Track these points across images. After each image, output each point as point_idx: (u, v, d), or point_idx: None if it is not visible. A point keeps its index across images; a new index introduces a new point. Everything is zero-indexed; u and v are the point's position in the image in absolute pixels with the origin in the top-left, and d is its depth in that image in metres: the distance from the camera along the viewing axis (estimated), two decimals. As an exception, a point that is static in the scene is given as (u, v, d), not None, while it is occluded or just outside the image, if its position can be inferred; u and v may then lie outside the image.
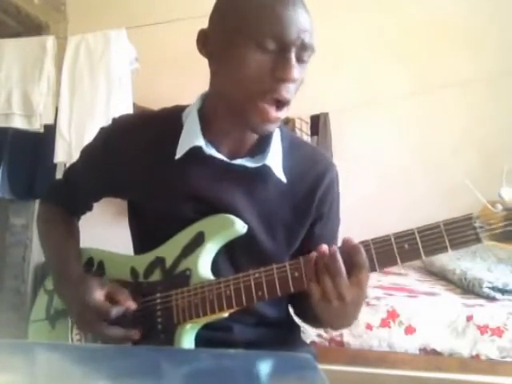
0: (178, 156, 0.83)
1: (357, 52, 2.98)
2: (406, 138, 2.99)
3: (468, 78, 2.80)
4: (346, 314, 0.74)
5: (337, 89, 2.97)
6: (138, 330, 0.80)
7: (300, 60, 0.75)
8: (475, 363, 1.79)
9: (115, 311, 0.79)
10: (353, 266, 0.70)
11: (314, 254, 0.72)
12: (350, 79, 2.94)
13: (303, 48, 0.74)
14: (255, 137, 0.86)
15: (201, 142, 0.82)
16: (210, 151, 0.82)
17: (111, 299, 0.81)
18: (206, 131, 0.83)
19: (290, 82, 0.74)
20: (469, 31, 2.92)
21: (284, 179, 0.85)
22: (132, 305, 0.81)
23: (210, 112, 0.85)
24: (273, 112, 0.75)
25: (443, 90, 2.84)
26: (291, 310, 0.98)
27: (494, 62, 2.87)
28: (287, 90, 0.74)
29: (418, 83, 2.91)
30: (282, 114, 0.77)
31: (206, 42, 0.80)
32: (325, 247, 0.72)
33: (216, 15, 0.79)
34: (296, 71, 0.73)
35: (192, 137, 0.83)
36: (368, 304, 1.85)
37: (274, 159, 0.84)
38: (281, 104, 0.76)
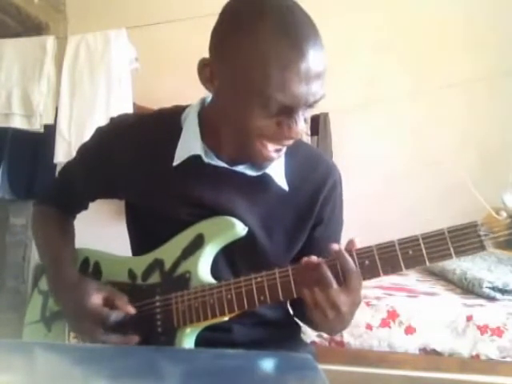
0: (175, 163, 0.81)
1: (357, 52, 2.98)
2: (406, 137, 2.99)
3: (468, 78, 2.80)
4: (342, 322, 0.74)
5: (337, 89, 2.96)
6: (137, 335, 0.79)
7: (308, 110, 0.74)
8: (475, 363, 1.79)
9: (114, 316, 0.78)
10: (342, 273, 0.70)
11: (304, 261, 0.72)
12: (350, 79, 2.93)
13: (312, 105, 0.73)
14: None
15: (200, 150, 0.80)
16: (209, 160, 0.81)
17: (109, 304, 0.80)
18: (206, 135, 0.82)
19: (293, 140, 0.74)
20: (469, 31, 2.91)
21: (286, 187, 0.84)
22: (131, 310, 0.80)
23: (210, 120, 0.82)
24: (272, 152, 0.75)
25: (443, 90, 2.84)
26: (292, 313, 0.98)
27: (494, 62, 2.86)
28: (289, 142, 0.75)
29: (417, 83, 2.91)
30: (282, 153, 0.78)
31: (209, 76, 0.74)
32: (308, 259, 0.72)
33: (219, 54, 0.73)
34: (302, 127, 0.72)
35: (191, 144, 0.81)
36: (368, 304, 1.85)
37: (275, 167, 0.82)
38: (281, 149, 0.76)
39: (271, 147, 0.74)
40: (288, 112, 0.70)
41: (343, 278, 0.70)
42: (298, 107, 0.70)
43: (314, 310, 0.71)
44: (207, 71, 0.74)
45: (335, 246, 0.71)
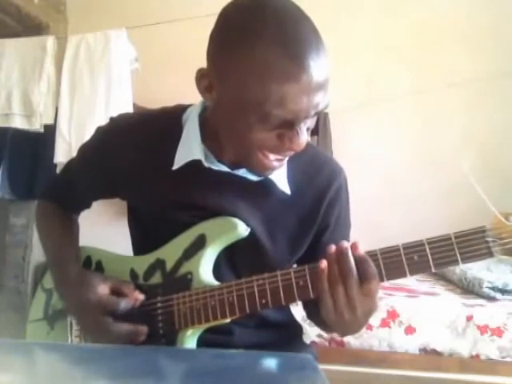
0: (175, 167, 0.80)
1: (357, 52, 2.98)
2: (406, 138, 2.99)
3: (468, 78, 2.80)
4: (357, 324, 0.73)
5: (337, 89, 2.95)
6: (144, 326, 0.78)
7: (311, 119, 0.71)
8: (475, 363, 1.79)
9: (123, 304, 0.77)
10: (363, 276, 0.68)
11: (322, 264, 0.70)
12: (350, 79, 2.93)
13: (315, 114, 0.70)
14: None
15: (200, 154, 0.78)
16: (210, 164, 0.79)
17: (116, 293, 0.79)
18: (206, 137, 0.80)
19: (296, 151, 0.72)
20: (468, 31, 2.91)
21: (288, 191, 0.82)
22: (140, 296, 0.79)
23: (210, 124, 0.81)
24: (274, 162, 0.73)
25: (443, 90, 2.84)
26: (304, 314, 0.96)
27: (494, 62, 2.87)
28: (291, 153, 0.73)
29: (417, 83, 2.90)
30: (284, 162, 0.76)
31: (208, 87, 0.72)
32: (334, 247, 0.70)
33: (216, 65, 0.70)
34: (304, 139, 0.70)
35: (191, 147, 0.79)
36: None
37: (277, 172, 0.80)
38: (283, 158, 0.75)
39: (273, 157, 0.73)
40: (289, 125, 0.68)
41: (365, 282, 0.68)
42: (300, 120, 0.67)
43: (330, 308, 0.70)
44: (205, 82, 0.72)
45: (360, 251, 0.69)
